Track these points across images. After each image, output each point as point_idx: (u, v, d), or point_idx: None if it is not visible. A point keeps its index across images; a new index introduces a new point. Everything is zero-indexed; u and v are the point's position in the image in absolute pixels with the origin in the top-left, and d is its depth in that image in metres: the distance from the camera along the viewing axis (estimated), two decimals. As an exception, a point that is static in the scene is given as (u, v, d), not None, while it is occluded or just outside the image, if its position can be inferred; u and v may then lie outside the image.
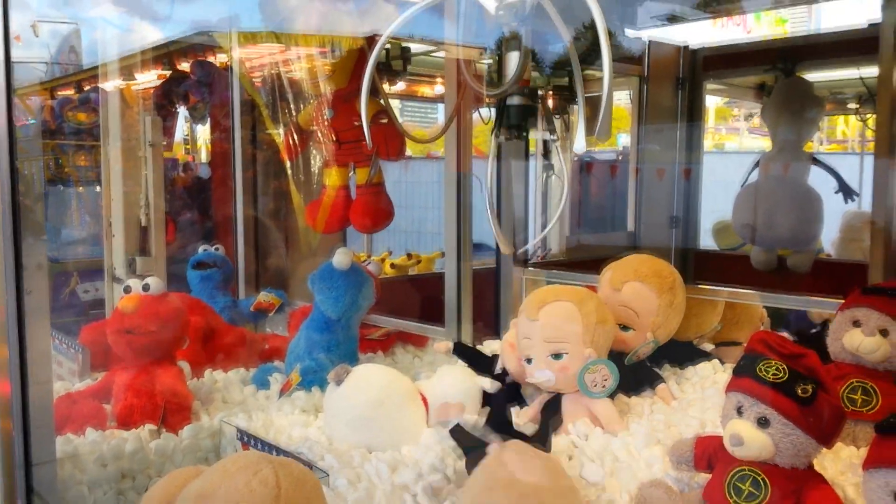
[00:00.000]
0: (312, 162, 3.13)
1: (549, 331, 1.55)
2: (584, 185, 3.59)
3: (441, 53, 2.81)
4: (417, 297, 2.45)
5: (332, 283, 1.86)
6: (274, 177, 3.28)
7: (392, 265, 3.04)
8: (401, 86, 3.30)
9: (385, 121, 2.13)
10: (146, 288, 1.84)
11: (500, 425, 1.47)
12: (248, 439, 1.53)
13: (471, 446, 1.31)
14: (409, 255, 3.12)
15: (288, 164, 3.27)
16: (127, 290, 1.86)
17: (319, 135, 2.82)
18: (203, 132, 5.47)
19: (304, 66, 2.86)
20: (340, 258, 1.87)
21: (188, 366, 1.88)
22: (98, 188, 4.43)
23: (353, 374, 1.60)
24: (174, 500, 1.11)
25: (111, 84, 3.28)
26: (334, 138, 2.24)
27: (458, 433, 1.38)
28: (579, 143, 1.31)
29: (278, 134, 3.39)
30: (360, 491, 1.31)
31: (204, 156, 5.46)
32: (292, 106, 3.06)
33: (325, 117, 2.22)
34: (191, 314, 2.03)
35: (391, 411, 1.56)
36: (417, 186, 2.51)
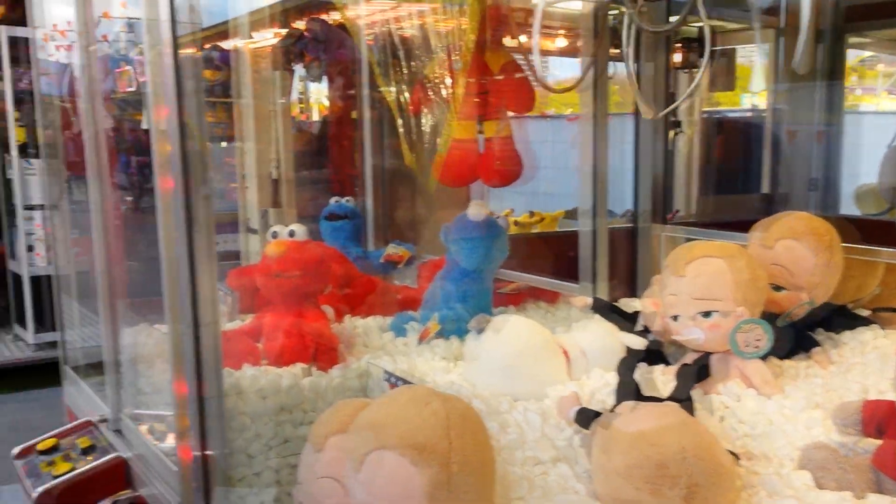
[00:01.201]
0: (424, 119, 3.15)
1: (697, 288, 1.52)
2: (714, 145, 3.45)
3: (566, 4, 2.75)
4: (548, 254, 2.45)
5: (467, 233, 1.88)
6: (390, 134, 3.33)
7: (515, 223, 3.05)
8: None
9: (511, 74, 2.12)
10: (292, 234, 1.92)
11: (628, 390, 1.44)
12: (395, 380, 1.59)
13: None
14: (532, 214, 3.12)
15: (399, 121, 3.31)
16: (274, 235, 1.95)
17: (442, 89, 2.83)
18: (316, 90, 5.58)
19: (422, 22, 2.86)
20: (475, 210, 1.89)
21: (331, 310, 1.95)
22: (224, 144, 4.63)
23: (494, 322, 1.63)
24: (345, 428, 1.17)
25: (239, 42, 3.38)
26: (462, 91, 2.24)
27: (582, 415, 1.35)
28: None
29: (389, 91, 3.43)
30: (512, 435, 1.34)
31: (316, 114, 5.59)
32: (404, 63, 3.08)
33: (455, 69, 2.22)
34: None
35: (534, 361, 1.58)
36: (536, 146, 2.49)
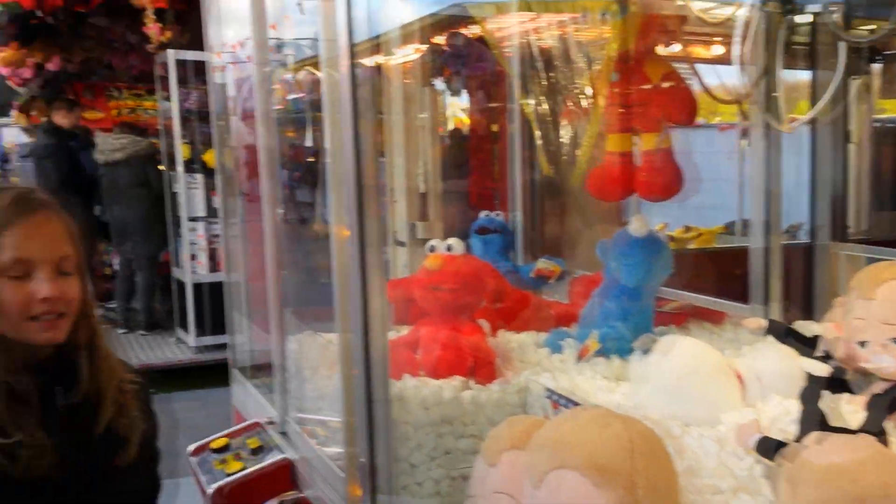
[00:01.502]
0: (564, 131, 3.12)
1: (889, 312, 1.41)
2: (885, 156, 3.20)
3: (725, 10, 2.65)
4: (710, 272, 2.36)
5: (628, 249, 1.84)
6: (530, 147, 3.32)
7: (671, 238, 2.96)
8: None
9: (672, 83, 2.05)
10: (450, 248, 1.96)
11: (813, 420, 1.35)
12: (557, 398, 1.58)
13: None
14: (688, 228, 3.01)
15: (537, 132, 3.30)
16: (432, 249, 1.99)
17: (582, 100, 2.79)
18: (452, 104, 5.67)
19: (562, 32, 2.84)
20: (637, 225, 1.85)
21: (487, 324, 1.97)
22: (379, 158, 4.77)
23: (663, 343, 1.58)
24: (519, 444, 1.17)
25: (383, 58, 3.49)
26: (618, 102, 2.20)
27: (764, 445, 1.27)
28: None
29: (528, 104, 3.42)
30: (687, 461, 1.30)
31: (451, 126, 5.67)
32: (543, 74, 3.06)
33: (611, 80, 2.18)
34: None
35: (706, 384, 1.52)
36: (692, 157, 2.40)
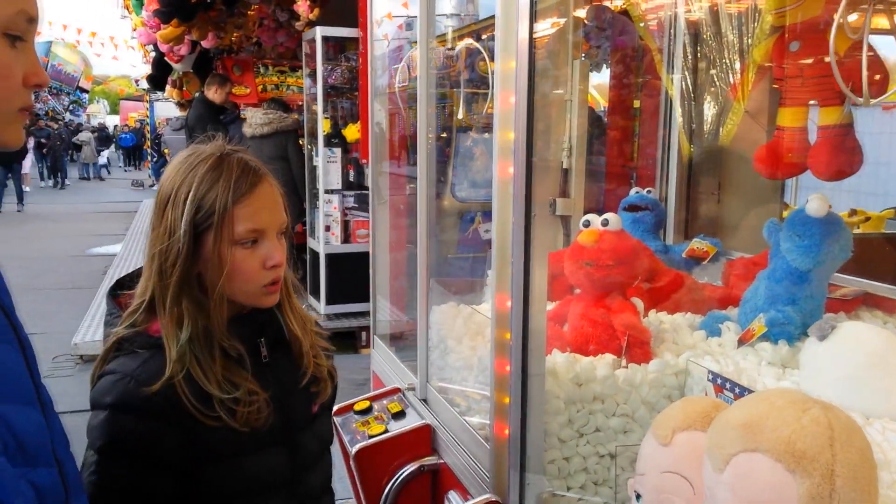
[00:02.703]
0: (707, 108, 2.95)
1: None
2: None
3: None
4: (885, 258, 2.17)
5: (804, 230, 1.71)
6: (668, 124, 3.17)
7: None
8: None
9: (867, 54, 1.88)
10: (605, 223, 1.90)
11: None
12: (722, 382, 1.49)
13: None
14: (854, 212, 2.79)
15: (679, 109, 3.13)
16: (586, 224, 1.93)
17: (730, 76, 2.62)
18: (593, 79, 5.51)
19: (712, 4, 2.67)
20: (817, 204, 1.71)
21: (641, 303, 1.89)
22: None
23: (841, 329, 1.46)
24: (693, 425, 1.11)
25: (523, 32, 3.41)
26: (797, 73, 2.04)
27: None
28: None
29: (670, 79, 3.26)
30: (874, 454, 1.19)
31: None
32: (690, 49, 2.89)
33: (790, 50, 2.03)
34: (633, 254, 2.04)
35: (888, 375, 1.39)
36: (862, 138, 2.20)
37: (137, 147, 22.55)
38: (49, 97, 18.97)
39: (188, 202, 1.23)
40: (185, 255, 1.23)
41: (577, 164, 3.13)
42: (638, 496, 1.16)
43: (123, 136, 22.45)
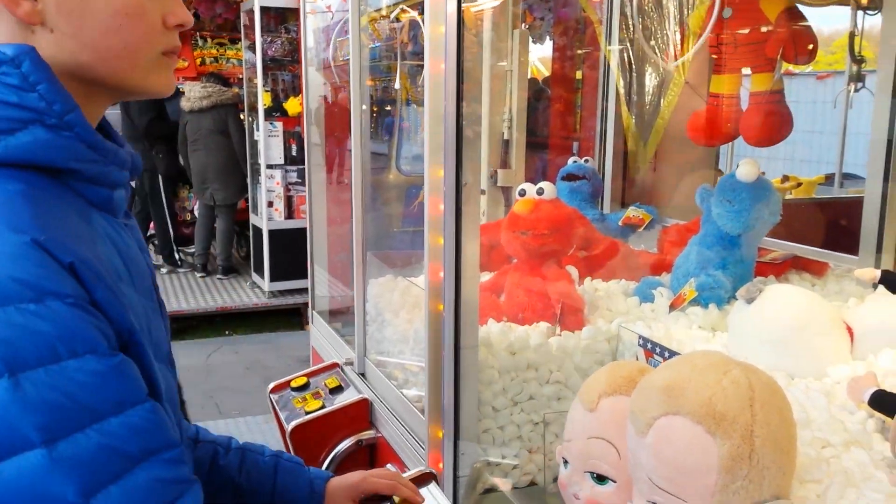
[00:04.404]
0: (648, 79, 2.97)
1: None
2: None
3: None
4: (811, 222, 2.21)
5: (734, 195, 1.72)
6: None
7: (769, 188, 2.79)
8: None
9: (796, 22, 1.90)
10: (540, 192, 1.88)
11: None
12: (652, 346, 1.50)
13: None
14: (786, 178, 2.84)
15: (620, 81, 3.15)
16: (522, 193, 1.92)
17: (670, 47, 2.64)
18: (534, 51, 5.49)
19: None
20: (747, 168, 1.72)
21: (576, 271, 1.89)
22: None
23: (768, 292, 1.48)
24: (619, 390, 1.11)
25: (466, 4, 3.36)
26: (730, 41, 2.05)
27: (880, 399, 1.20)
28: None
29: (609, 50, 3.27)
30: (796, 413, 1.21)
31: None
32: (632, 21, 2.90)
33: (724, 17, 2.04)
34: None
35: (813, 336, 1.42)
36: (796, 107, 2.25)
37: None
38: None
39: None
40: None
41: (517, 135, 3.12)
42: (566, 462, 1.15)
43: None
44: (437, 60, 1.50)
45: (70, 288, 0.72)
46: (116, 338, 0.76)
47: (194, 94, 6.00)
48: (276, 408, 2.16)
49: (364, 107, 2.30)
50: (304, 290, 5.70)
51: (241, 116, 6.34)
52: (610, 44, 3.02)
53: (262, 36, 5.73)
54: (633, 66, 2.93)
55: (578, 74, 4.74)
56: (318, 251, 2.68)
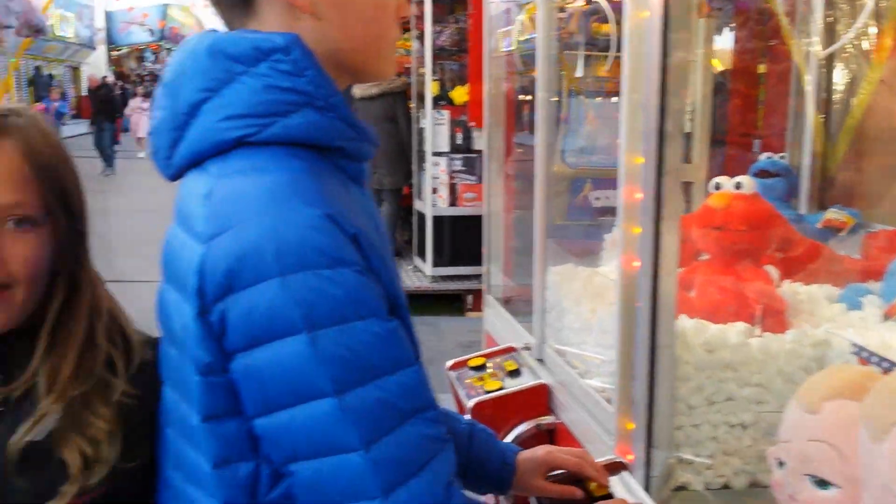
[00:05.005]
0: (838, 75, 2.76)
1: None
2: None
3: None
4: None
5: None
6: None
7: None
8: None
9: None
10: (738, 186, 1.83)
11: None
12: (868, 355, 1.42)
13: None
14: None
15: (806, 77, 2.95)
16: (717, 187, 1.87)
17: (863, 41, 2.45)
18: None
19: None
20: (981, 173, 1.58)
21: (776, 271, 1.83)
22: (615, 99, 4.64)
23: None
24: (844, 394, 1.07)
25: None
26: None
27: None
28: None
29: (797, 44, 3.07)
30: None
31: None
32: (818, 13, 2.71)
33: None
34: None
35: None
36: None
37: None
38: (167, 58, 19.90)
39: None
40: None
41: (700, 129, 3.03)
42: (781, 463, 1.13)
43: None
44: (639, 46, 1.49)
45: (356, 257, 0.81)
46: (387, 303, 0.85)
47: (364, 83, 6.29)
48: (455, 385, 2.25)
49: (550, 96, 2.33)
50: (465, 277, 5.87)
51: (409, 104, 6.56)
52: (799, 37, 2.87)
53: (431, 26, 5.89)
54: (821, 62, 2.77)
55: (761, 68, 4.51)
56: (497, 237, 2.75)
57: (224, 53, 0.84)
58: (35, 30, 10.97)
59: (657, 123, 1.47)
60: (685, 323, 1.70)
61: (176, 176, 0.89)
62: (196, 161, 0.85)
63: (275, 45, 0.84)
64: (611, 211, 3.58)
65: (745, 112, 4.38)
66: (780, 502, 1.13)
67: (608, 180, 3.64)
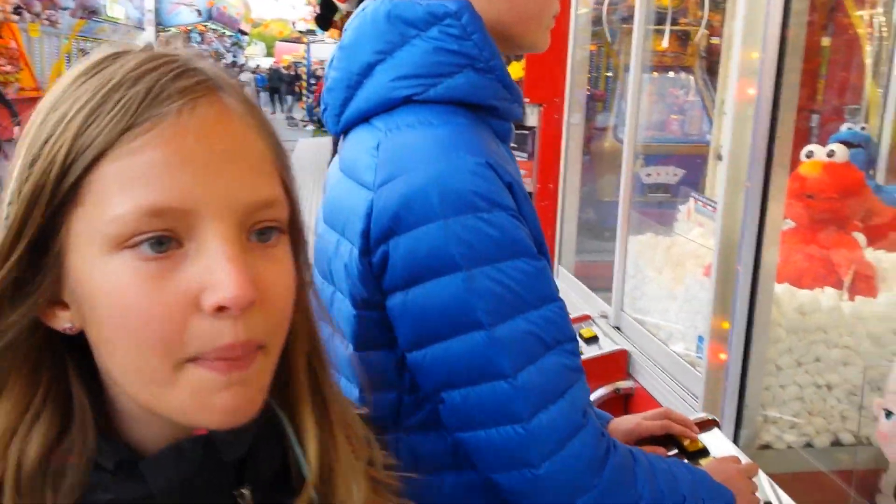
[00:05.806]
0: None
1: None
2: None
3: None
4: None
5: None
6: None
7: None
8: None
9: None
10: (831, 154, 1.84)
11: None
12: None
13: None
14: None
15: (867, 49, 2.92)
16: (809, 155, 1.89)
17: None
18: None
19: None
20: None
21: (863, 237, 1.85)
22: (672, 74, 4.62)
23: None
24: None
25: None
26: None
27: None
28: None
29: (860, 17, 3.02)
30: None
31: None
32: None
33: None
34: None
35: None
36: None
37: (274, 89, 23.34)
38: (213, 38, 20.11)
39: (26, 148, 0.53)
40: (12, 268, 0.51)
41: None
42: (889, 414, 1.18)
43: (258, 76, 23.42)
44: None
45: (510, 202, 0.87)
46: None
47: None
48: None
49: (644, 75, 2.35)
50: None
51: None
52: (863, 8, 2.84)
53: None
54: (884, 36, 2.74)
55: (825, 41, 4.43)
56: (571, 208, 2.80)
57: (400, 18, 0.90)
58: (90, 11, 11.22)
59: (771, 91, 1.50)
60: (776, 288, 1.74)
61: (342, 131, 0.96)
62: (364, 117, 0.92)
63: (447, 10, 0.90)
64: (662, 187, 3.58)
65: (804, 86, 4.29)
66: (887, 452, 1.18)
67: (657, 156, 3.64)
